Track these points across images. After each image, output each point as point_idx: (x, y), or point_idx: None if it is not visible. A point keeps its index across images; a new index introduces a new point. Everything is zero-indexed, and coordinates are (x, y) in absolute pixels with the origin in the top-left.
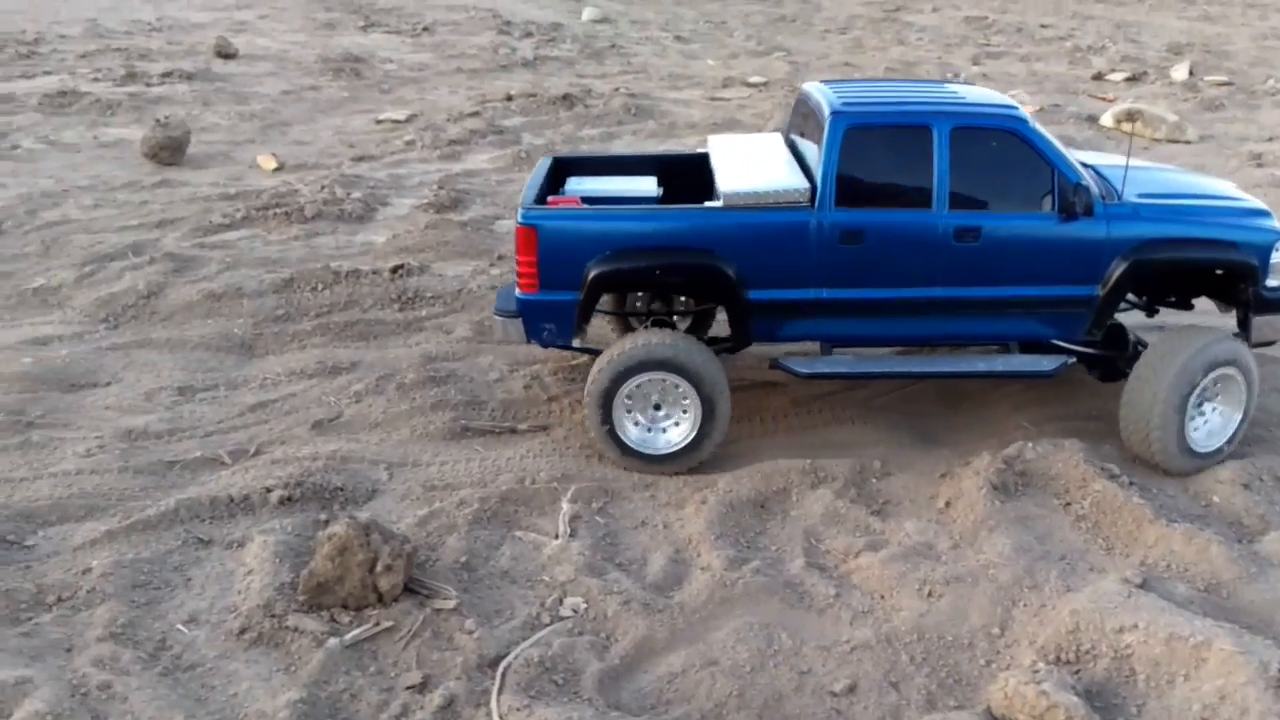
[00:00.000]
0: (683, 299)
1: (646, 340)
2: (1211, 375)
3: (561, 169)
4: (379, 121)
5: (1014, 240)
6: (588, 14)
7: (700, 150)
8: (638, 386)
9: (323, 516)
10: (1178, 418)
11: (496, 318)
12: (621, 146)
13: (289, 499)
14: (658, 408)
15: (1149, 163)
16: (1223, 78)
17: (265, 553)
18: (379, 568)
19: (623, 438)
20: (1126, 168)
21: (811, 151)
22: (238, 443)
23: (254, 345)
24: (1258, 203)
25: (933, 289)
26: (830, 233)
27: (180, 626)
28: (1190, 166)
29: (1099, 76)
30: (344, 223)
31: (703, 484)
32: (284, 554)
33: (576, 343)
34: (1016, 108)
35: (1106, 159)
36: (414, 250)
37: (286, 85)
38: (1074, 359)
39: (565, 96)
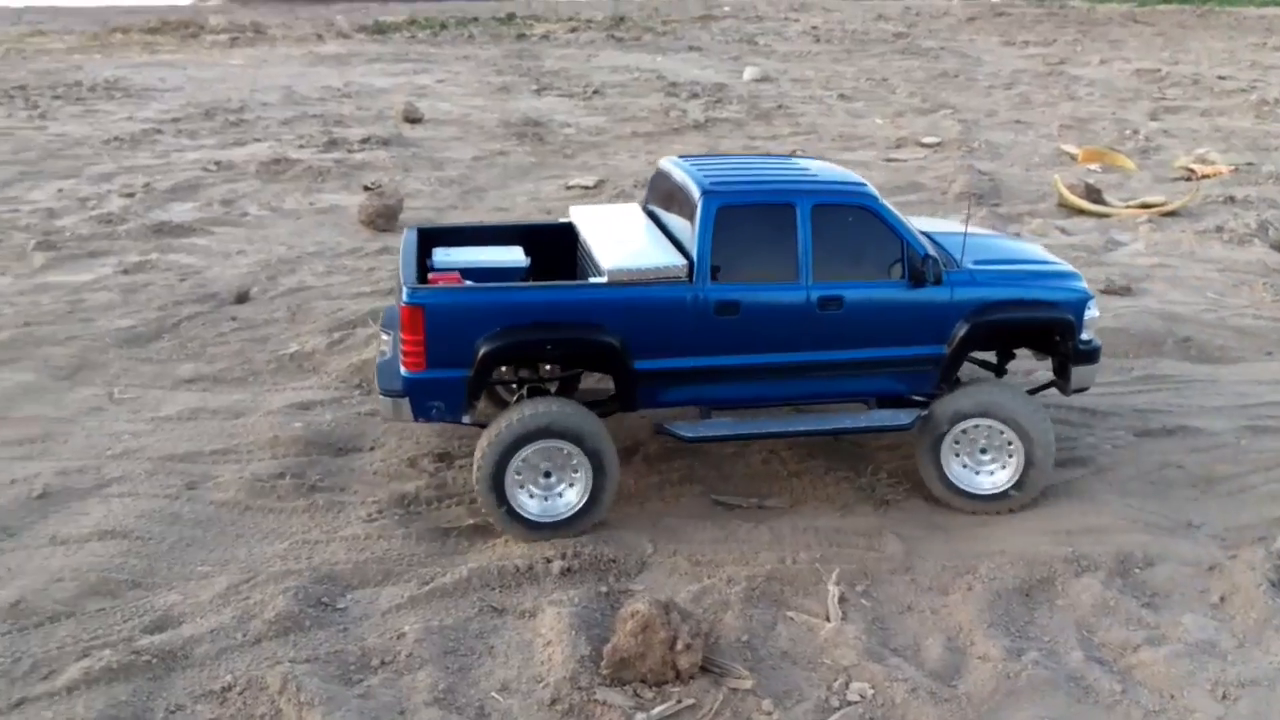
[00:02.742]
0: (548, 366)
1: (535, 410)
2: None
3: (427, 240)
4: (569, 187)
5: (872, 307)
6: (749, 74)
7: (563, 220)
8: (524, 460)
9: (603, 589)
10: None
11: (382, 397)
12: None
13: (568, 570)
14: (547, 475)
15: (975, 229)
16: None
17: (560, 624)
18: (679, 646)
19: (523, 513)
20: (965, 236)
21: (679, 226)
22: None
23: None
24: (1068, 265)
25: (801, 353)
26: (707, 305)
27: (495, 695)
28: None
29: None
30: None
31: (963, 569)
32: (578, 626)
33: (466, 419)
34: (866, 184)
35: (939, 225)
36: None
37: (476, 151)
38: (925, 411)
39: None
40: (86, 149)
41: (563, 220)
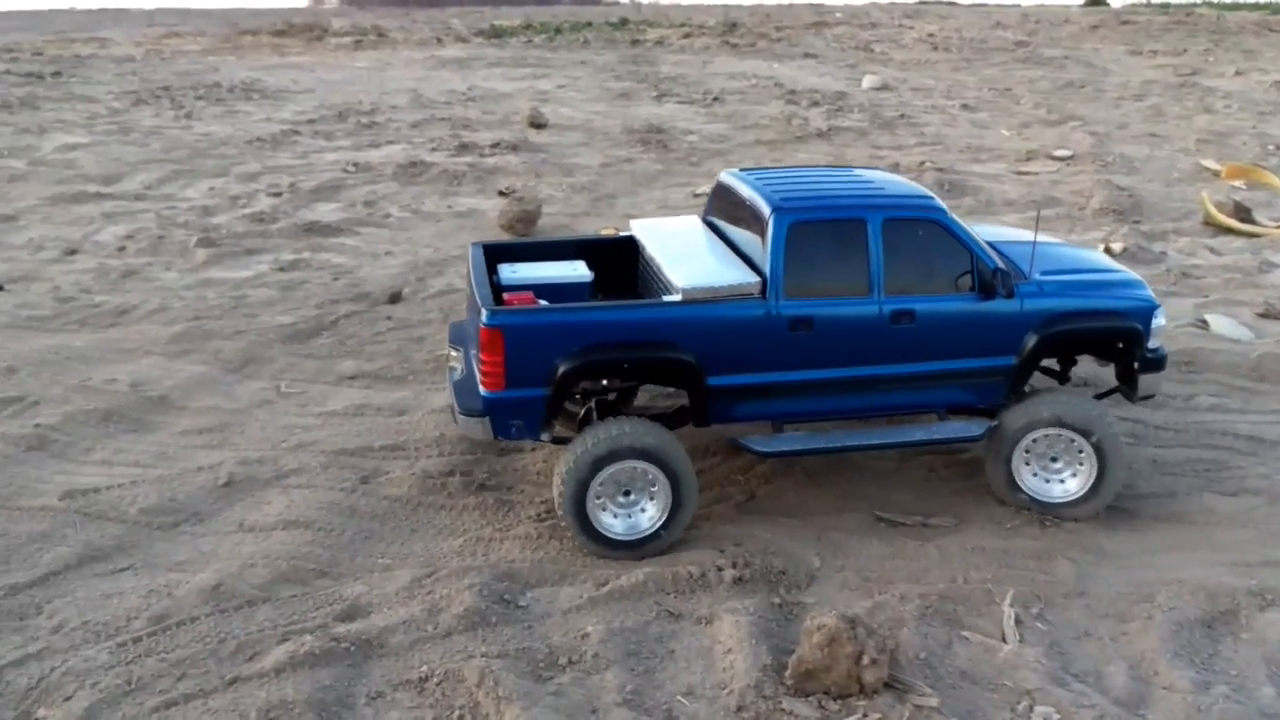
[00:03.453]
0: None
1: (615, 430)
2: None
3: (491, 256)
4: (696, 195)
5: (942, 320)
6: (868, 82)
7: (624, 234)
8: (605, 480)
9: (775, 600)
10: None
11: (461, 416)
12: None
13: (740, 579)
14: (627, 494)
15: (1040, 237)
16: None
17: (739, 632)
18: (865, 660)
19: (607, 533)
20: (1034, 246)
21: (746, 240)
22: None
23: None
24: (1134, 274)
25: (873, 367)
26: (781, 322)
27: (681, 699)
28: None
29: None
30: None
31: (1140, 596)
32: (757, 635)
33: (544, 436)
34: (934, 198)
35: (1005, 233)
36: None
37: (602, 157)
38: (995, 422)
39: None
40: (231, 149)
41: (624, 234)
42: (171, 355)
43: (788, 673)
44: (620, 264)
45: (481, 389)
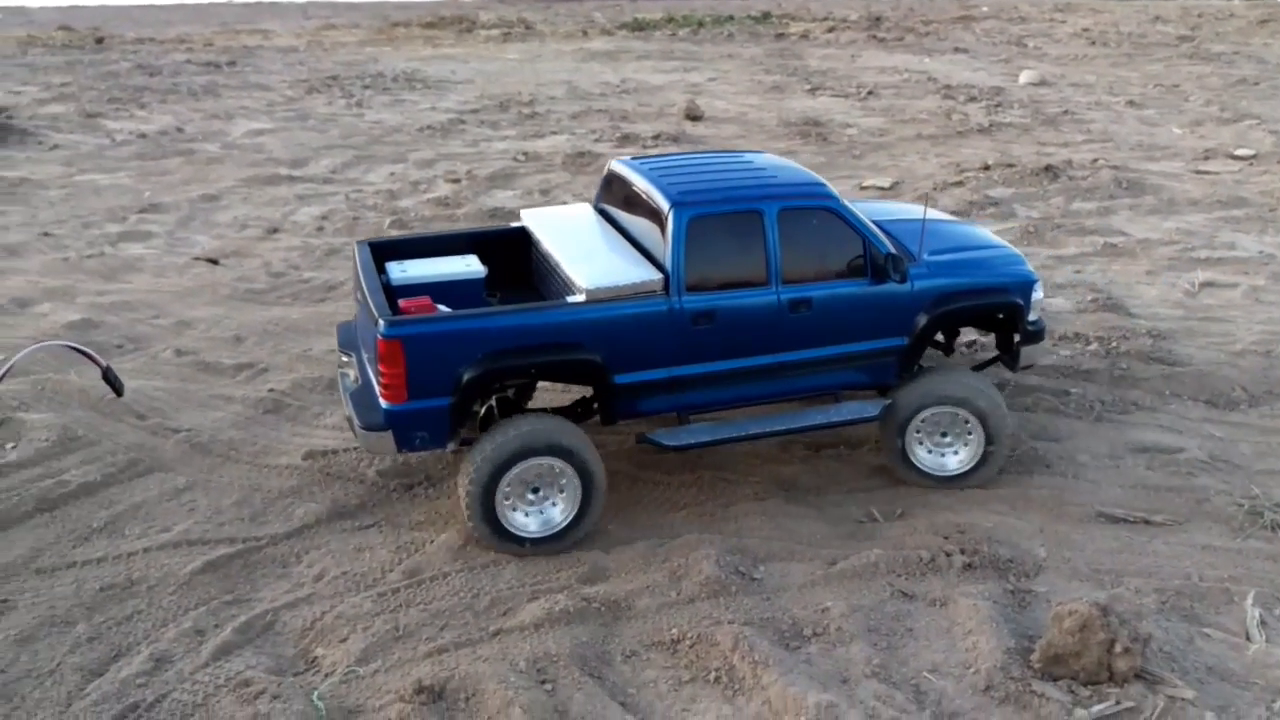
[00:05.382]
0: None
1: (522, 429)
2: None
3: (379, 254)
4: (863, 187)
5: (839, 306)
6: (1025, 77)
7: (514, 225)
8: (513, 478)
9: (1008, 587)
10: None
11: (361, 431)
12: (1120, 223)
13: (970, 565)
14: (535, 490)
15: (931, 215)
16: None
17: (978, 615)
18: (1117, 648)
19: (518, 532)
20: (924, 227)
21: (642, 231)
22: (885, 503)
23: None
24: (1014, 249)
25: (773, 355)
26: (684, 317)
27: (927, 675)
28: None
29: None
30: None
31: None
32: (997, 619)
33: (450, 446)
34: (826, 185)
35: (893, 210)
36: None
37: (763, 149)
38: (889, 401)
39: (1047, 168)
40: (404, 136)
41: (514, 225)
42: None
43: (1035, 656)
44: (513, 257)
45: (382, 401)
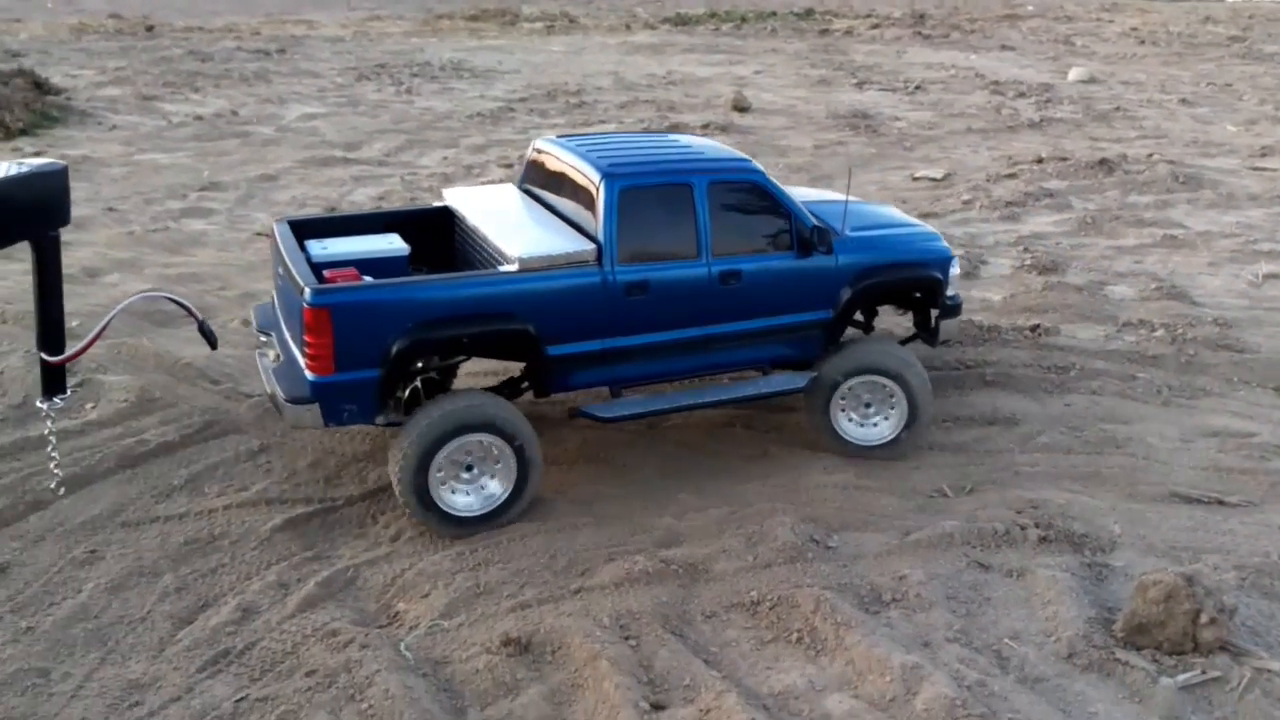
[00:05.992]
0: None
1: (455, 405)
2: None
3: (298, 232)
4: (915, 178)
5: (767, 278)
6: (1074, 74)
7: (436, 205)
8: (445, 457)
9: (1084, 560)
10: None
11: (286, 405)
12: (1179, 216)
13: (1045, 538)
14: (469, 469)
15: (850, 197)
16: None
17: (1057, 586)
18: (1203, 619)
19: (453, 512)
20: (846, 205)
21: (571, 208)
22: (955, 479)
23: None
24: (929, 227)
25: (705, 327)
26: (618, 288)
27: (1008, 641)
28: None
29: None
30: None
31: None
32: (1076, 590)
33: (379, 420)
34: (752, 160)
35: (815, 195)
36: (1037, 311)
37: (813, 140)
38: (815, 374)
39: (1102, 161)
40: (454, 122)
41: (436, 205)
42: None
43: (1118, 625)
44: (434, 236)
45: (308, 373)
